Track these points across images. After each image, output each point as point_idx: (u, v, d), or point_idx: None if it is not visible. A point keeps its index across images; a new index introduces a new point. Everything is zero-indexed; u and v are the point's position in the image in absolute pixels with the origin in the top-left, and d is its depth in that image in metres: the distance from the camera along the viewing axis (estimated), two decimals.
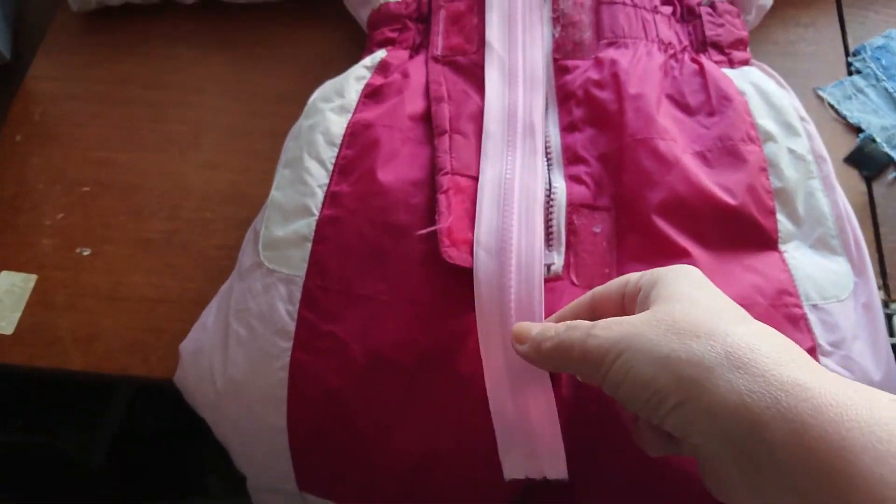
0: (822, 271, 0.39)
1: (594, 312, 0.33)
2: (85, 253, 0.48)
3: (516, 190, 0.38)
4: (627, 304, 0.31)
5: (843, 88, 0.50)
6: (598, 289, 0.33)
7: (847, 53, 0.52)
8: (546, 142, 0.42)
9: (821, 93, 0.50)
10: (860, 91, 0.49)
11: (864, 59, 0.50)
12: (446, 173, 0.39)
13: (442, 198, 0.38)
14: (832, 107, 0.49)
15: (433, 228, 0.37)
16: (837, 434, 0.23)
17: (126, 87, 0.54)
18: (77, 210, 0.49)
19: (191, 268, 0.47)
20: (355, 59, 0.49)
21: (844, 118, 0.49)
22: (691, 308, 0.27)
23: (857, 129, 0.48)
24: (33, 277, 0.47)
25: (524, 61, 0.43)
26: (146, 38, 0.56)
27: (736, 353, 0.25)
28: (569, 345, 0.29)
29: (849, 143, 0.48)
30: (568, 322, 0.31)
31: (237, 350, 0.39)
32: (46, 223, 0.49)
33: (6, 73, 0.55)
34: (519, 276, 0.36)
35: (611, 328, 0.28)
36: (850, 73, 0.51)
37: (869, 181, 0.47)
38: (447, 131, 0.41)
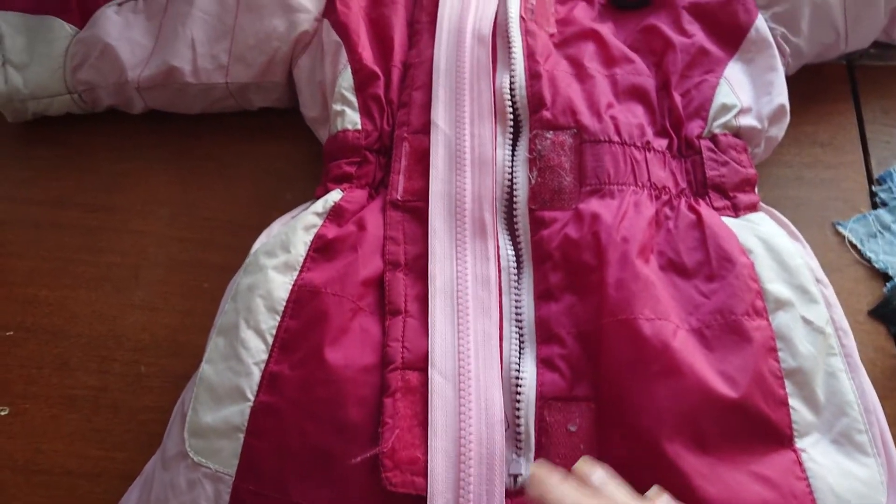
0: (847, 479, 0.33)
1: None
2: (2, 413, 0.42)
3: (473, 390, 0.33)
4: None
5: (867, 224, 0.43)
6: None
7: (870, 181, 0.45)
8: (518, 314, 0.36)
9: (840, 229, 0.43)
10: (887, 228, 0.43)
11: (889, 188, 0.44)
12: (395, 368, 0.33)
13: (388, 403, 0.32)
14: (854, 246, 0.43)
15: (373, 452, 0.31)
16: None
17: (62, 210, 0.48)
18: None
19: (119, 433, 0.41)
20: (317, 182, 0.44)
21: (868, 261, 0.42)
22: None
23: (883, 276, 0.42)
24: None
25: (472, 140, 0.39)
26: (88, 152, 0.50)
27: None
28: None
29: (874, 292, 0.42)
30: None
31: None
32: None
33: None
34: (480, 498, 0.30)
35: None
36: (874, 206, 0.44)
37: None
38: (401, 312, 0.35)
